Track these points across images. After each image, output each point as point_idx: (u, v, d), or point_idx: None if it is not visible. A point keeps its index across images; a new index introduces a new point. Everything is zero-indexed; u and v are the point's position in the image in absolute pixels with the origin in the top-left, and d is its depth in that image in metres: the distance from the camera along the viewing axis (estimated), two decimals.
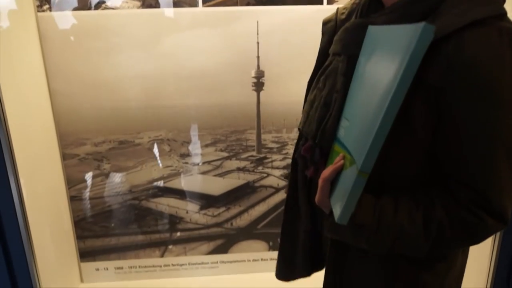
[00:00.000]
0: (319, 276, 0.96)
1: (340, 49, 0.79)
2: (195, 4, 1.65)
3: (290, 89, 1.80)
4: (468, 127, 0.63)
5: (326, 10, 1.69)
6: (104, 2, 1.62)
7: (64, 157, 1.80)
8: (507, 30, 0.61)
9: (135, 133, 1.81)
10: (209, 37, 1.70)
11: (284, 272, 1.11)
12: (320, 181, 0.71)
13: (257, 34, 1.70)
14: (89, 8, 1.62)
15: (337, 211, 0.66)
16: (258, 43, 1.71)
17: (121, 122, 1.79)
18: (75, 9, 1.62)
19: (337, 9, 0.90)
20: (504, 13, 0.64)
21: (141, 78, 1.73)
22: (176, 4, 1.65)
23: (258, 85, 1.78)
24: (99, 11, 1.63)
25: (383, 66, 0.60)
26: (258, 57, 1.74)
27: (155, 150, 1.85)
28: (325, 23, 0.91)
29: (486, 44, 0.60)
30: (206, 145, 1.86)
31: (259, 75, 1.77)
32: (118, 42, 1.67)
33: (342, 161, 0.68)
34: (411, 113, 0.56)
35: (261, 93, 1.79)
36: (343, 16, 0.85)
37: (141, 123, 1.79)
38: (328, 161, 0.79)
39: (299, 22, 1.70)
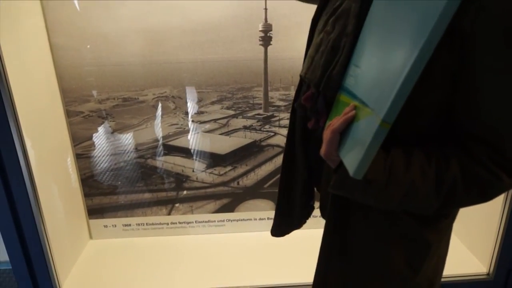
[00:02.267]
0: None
1: None
2: None
3: (299, 43, 1.72)
4: (492, 77, 0.58)
5: None
6: None
7: (68, 114, 1.77)
8: None
9: (139, 90, 1.77)
10: None
11: (281, 227, 1.10)
12: (328, 133, 0.66)
13: None
14: None
15: (352, 164, 0.61)
16: None
17: (124, 78, 1.74)
18: None
19: None
20: None
21: (145, 31, 1.66)
22: None
23: (266, 40, 1.71)
24: None
25: (411, 10, 0.55)
26: (265, 9, 1.65)
27: (160, 107, 1.81)
28: None
29: None
30: (212, 103, 1.82)
31: (267, 28, 1.69)
32: None
33: (353, 112, 0.63)
34: (433, 59, 0.51)
35: (269, 48, 1.72)
36: None
37: (145, 80, 1.74)
38: (332, 112, 0.73)
39: None
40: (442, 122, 0.65)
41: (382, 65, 0.59)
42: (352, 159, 0.61)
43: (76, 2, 1.60)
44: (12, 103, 1.33)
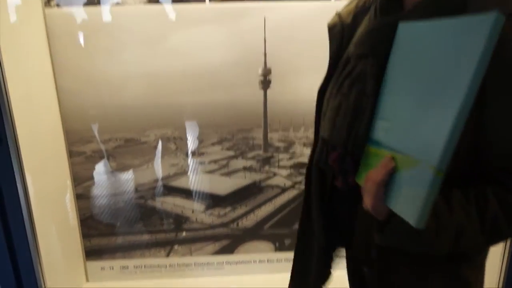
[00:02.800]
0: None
1: (368, 50, 0.75)
2: (202, 0, 1.64)
3: (297, 87, 1.77)
4: (508, 112, 0.62)
5: (335, 6, 1.67)
6: None
7: (71, 154, 1.80)
8: None
9: (141, 131, 1.80)
10: (215, 34, 1.68)
11: None
12: (371, 186, 0.67)
13: (264, 30, 1.68)
14: (96, 4, 1.62)
15: (412, 215, 0.61)
16: (265, 39, 1.69)
17: (127, 119, 1.78)
18: (82, 4, 1.62)
19: (339, 14, 0.88)
20: None
21: (148, 75, 1.72)
22: (183, 0, 1.64)
23: (265, 83, 1.76)
24: (106, 7, 1.63)
25: (443, 61, 0.58)
26: (265, 54, 1.71)
27: (161, 148, 1.83)
28: (330, 28, 0.89)
29: None
30: (213, 144, 1.84)
31: (266, 73, 1.74)
32: (125, 39, 1.67)
33: (392, 162, 0.65)
34: None
35: (268, 91, 1.77)
36: (349, 21, 0.84)
37: (147, 121, 1.78)
38: (361, 166, 0.75)
39: (307, 18, 1.67)
40: (472, 159, 0.67)
41: (421, 115, 0.61)
42: (409, 209, 0.62)
43: (82, 46, 1.66)
44: (16, 142, 1.36)
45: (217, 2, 1.65)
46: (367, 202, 0.68)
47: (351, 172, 0.77)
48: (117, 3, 1.63)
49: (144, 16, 1.65)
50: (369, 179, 0.67)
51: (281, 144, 1.87)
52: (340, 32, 0.85)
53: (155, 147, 1.83)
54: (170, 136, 1.82)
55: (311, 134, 1.83)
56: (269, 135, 1.85)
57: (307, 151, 1.87)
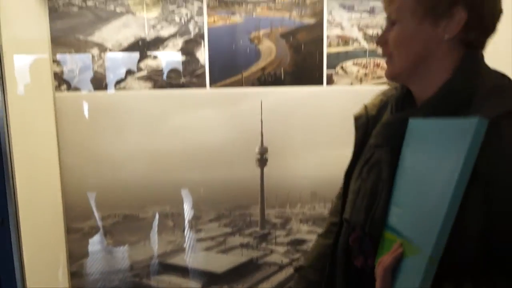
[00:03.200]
0: None
1: (382, 141, 0.83)
2: (203, 85, 1.76)
3: (293, 164, 1.83)
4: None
5: (325, 90, 1.79)
6: (118, 83, 1.73)
7: (69, 230, 1.80)
8: None
9: (140, 208, 1.83)
10: (215, 115, 1.79)
11: None
12: (381, 270, 0.71)
13: (261, 112, 1.79)
14: (104, 89, 1.73)
15: None
16: (261, 121, 1.79)
17: (127, 196, 1.81)
18: (91, 89, 1.73)
19: (365, 106, 0.97)
20: None
21: (150, 153, 1.79)
22: (185, 85, 1.76)
23: (262, 161, 1.83)
24: (113, 92, 1.74)
25: (439, 157, 0.65)
26: (262, 134, 1.80)
27: (159, 225, 1.85)
28: (356, 119, 0.97)
29: None
30: (210, 220, 1.86)
31: (263, 151, 1.82)
32: (129, 120, 1.76)
33: (401, 249, 0.69)
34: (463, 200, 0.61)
35: (265, 168, 1.83)
36: (374, 112, 0.92)
37: (146, 198, 1.82)
38: (379, 249, 0.79)
39: (300, 102, 1.79)
40: (478, 250, 0.69)
41: (421, 206, 0.67)
42: None
43: (88, 126, 1.75)
44: (17, 223, 1.38)
45: (217, 88, 1.77)
46: (377, 285, 0.71)
47: (371, 253, 0.81)
48: (124, 88, 1.74)
49: (148, 100, 1.76)
50: (380, 264, 0.71)
51: (278, 221, 1.89)
52: (365, 123, 0.93)
53: (153, 223, 1.84)
54: (168, 213, 1.84)
55: (307, 210, 1.87)
56: (266, 211, 1.87)
57: (304, 228, 1.89)
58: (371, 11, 1.78)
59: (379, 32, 1.78)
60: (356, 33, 1.78)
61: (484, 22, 0.74)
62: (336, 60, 1.78)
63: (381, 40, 0.84)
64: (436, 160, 0.65)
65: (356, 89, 1.81)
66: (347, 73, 1.80)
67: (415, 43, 0.78)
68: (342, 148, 1.82)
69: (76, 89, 1.73)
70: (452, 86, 0.74)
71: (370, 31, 1.79)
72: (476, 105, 0.70)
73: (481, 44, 0.77)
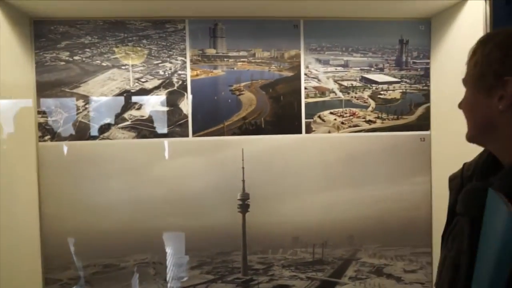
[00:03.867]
0: None
1: (463, 210, 0.81)
2: (186, 134, 1.81)
3: (274, 210, 1.87)
4: None
5: (305, 138, 1.87)
6: (102, 133, 1.77)
7: (47, 281, 1.77)
8: None
9: (121, 256, 1.81)
10: (197, 163, 1.83)
11: None
12: None
13: (242, 160, 1.84)
14: (88, 139, 1.76)
15: None
16: (243, 168, 1.84)
17: (108, 245, 1.80)
18: (75, 139, 1.76)
19: (464, 164, 0.93)
20: None
21: (131, 202, 1.80)
22: (168, 135, 1.81)
23: (244, 207, 1.86)
24: (96, 141, 1.77)
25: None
26: (243, 180, 1.85)
27: (140, 273, 1.83)
28: (451, 179, 0.94)
29: None
30: (192, 268, 1.86)
31: (245, 197, 1.86)
32: (112, 169, 1.78)
33: None
34: None
35: (247, 214, 1.86)
36: (469, 173, 0.88)
37: (127, 246, 1.81)
38: None
39: (280, 149, 1.86)
40: None
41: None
42: None
43: (71, 176, 1.76)
44: None
45: (199, 137, 1.82)
46: None
47: None
48: (107, 138, 1.77)
49: (132, 149, 1.79)
50: None
51: (260, 266, 1.90)
52: (458, 184, 0.90)
53: (134, 272, 1.83)
54: (149, 261, 1.83)
55: (289, 255, 1.90)
56: (248, 257, 1.89)
57: (286, 273, 1.90)
58: (345, 65, 1.90)
59: (353, 83, 1.90)
60: (332, 85, 1.89)
61: None
62: (314, 109, 1.88)
63: (459, 106, 0.88)
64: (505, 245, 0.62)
65: (334, 137, 1.90)
66: (325, 122, 1.89)
67: (476, 112, 0.81)
68: (322, 193, 1.89)
69: (60, 139, 1.75)
70: None
71: (345, 83, 1.90)
72: None
73: None
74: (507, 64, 0.74)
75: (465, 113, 0.85)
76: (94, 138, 1.77)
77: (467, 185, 0.84)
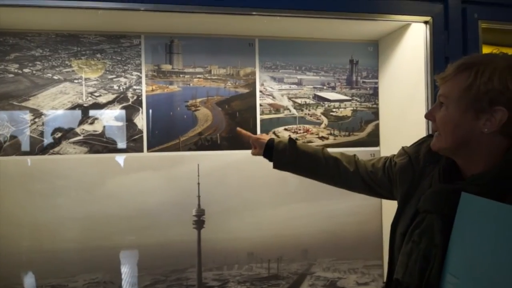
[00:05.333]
0: None
1: (433, 208, 0.90)
2: (140, 150, 1.79)
3: (229, 226, 1.88)
4: None
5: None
6: (52, 148, 1.71)
7: None
8: None
9: (70, 276, 1.74)
10: (152, 179, 1.81)
11: None
12: None
13: (198, 175, 1.84)
14: (37, 154, 1.70)
15: None
16: (198, 184, 1.84)
17: (56, 264, 1.73)
18: (23, 154, 1.69)
19: (408, 154, 1.10)
20: None
21: (82, 219, 1.74)
22: (123, 150, 1.78)
23: (199, 223, 1.85)
24: (46, 156, 1.72)
25: (502, 241, 0.72)
26: (198, 196, 1.84)
27: None
28: (402, 171, 1.08)
29: None
30: (145, 286, 1.81)
31: (200, 213, 1.85)
32: (63, 185, 1.73)
33: None
34: None
35: (202, 231, 1.85)
36: (419, 167, 1.04)
37: (77, 265, 1.74)
38: None
39: (236, 165, 1.87)
40: None
41: (483, 284, 0.73)
42: None
43: (17, 189, 1.69)
44: None
45: (154, 152, 1.81)
46: None
47: None
48: (57, 153, 1.72)
49: (84, 164, 1.75)
50: None
51: (215, 283, 1.88)
52: (410, 176, 1.04)
53: None
54: (100, 281, 1.77)
55: (244, 271, 1.90)
56: (203, 274, 1.87)
57: None
58: (299, 83, 1.96)
59: (307, 101, 1.96)
60: (286, 102, 1.94)
61: None
62: (269, 126, 1.92)
63: (429, 116, 0.94)
64: (499, 243, 0.72)
65: None
66: (280, 138, 1.93)
67: (459, 130, 0.87)
68: (277, 208, 1.92)
69: (7, 153, 1.68)
70: (503, 172, 0.82)
71: (298, 100, 1.96)
72: None
73: None
74: (504, 96, 0.81)
75: (442, 126, 0.90)
76: (43, 153, 1.71)
77: (434, 186, 0.94)
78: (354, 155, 1.31)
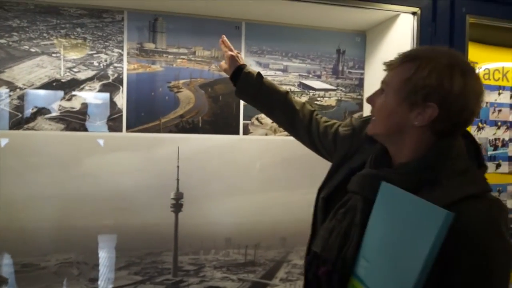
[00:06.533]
0: None
1: (358, 189, 0.94)
2: (119, 129, 1.75)
3: (208, 211, 1.86)
4: (470, 284, 0.77)
5: (242, 139, 1.88)
6: (27, 123, 1.66)
7: None
8: (495, 202, 0.81)
9: (41, 255, 1.71)
10: (130, 160, 1.77)
11: None
12: None
13: (178, 158, 1.81)
14: (11, 129, 1.65)
15: None
16: (178, 166, 1.81)
17: (28, 243, 1.69)
18: None
19: (351, 120, 1.18)
20: (490, 189, 0.84)
21: (57, 198, 1.70)
22: (101, 129, 1.73)
23: (177, 207, 1.83)
24: (20, 131, 1.66)
25: (410, 232, 0.75)
26: (177, 179, 1.82)
27: (63, 274, 1.73)
28: (343, 137, 1.15)
29: (478, 215, 0.78)
30: (119, 268, 1.79)
31: (178, 196, 1.83)
32: (37, 162, 1.67)
33: None
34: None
35: (180, 214, 1.83)
36: (359, 142, 1.08)
37: (49, 245, 1.70)
38: None
39: (217, 150, 1.85)
40: None
41: (390, 269, 0.76)
42: None
43: None
44: None
45: (134, 132, 1.77)
46: None
47: None
48: (32, 129, 1.67)
49: (60, 142, 1.70)
50: None
51: (191, 268, 1.87)
52: (348, 144, 1.11)
53: (55, 273, 1.72)
54: (73, 261, 1.74)
55: (221, 256, 1.89)
56: (179, 258, 1.85)
57: (218, 274, 1.89)
58: (284, 69, 1.94)
59: (292, 88, 1.94)
60: None
61: (453, 119, 0.85)
62: (252, 111, 1.89)
63: (370, 100, 0.96)
64: (408, 234, 0.75)
65: (270, 139, 1.93)
66: (262, 124, 1.91)
67: (392, 119, 0.90)
68: (257, 195, 1.91)
69: None
70: (423, 164, 0.85)
71: (283, 87, 1.93)
72: (441, 184, 0.82)
73: (453, 133, 0.87)
74: (438, 94, 0.83)
75: (378, 112, 0.94)
76: (17, 128, 1.65)
77: (363, 170, 0.98)
78: (314, 110, 1.34)
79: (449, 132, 0.87)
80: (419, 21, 1.55)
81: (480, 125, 2.02)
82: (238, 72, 1.35)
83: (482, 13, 1.58)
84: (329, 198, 1.07)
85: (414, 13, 1.56)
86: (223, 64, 1.42)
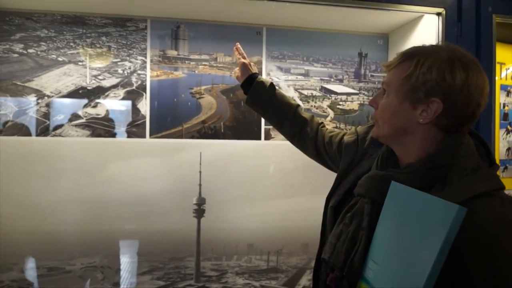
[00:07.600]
0: None
1: (364, 192, 0.91)
2: (143, 135, 1.78)
3: (230, 216, 1.86)
4: (482, 283, 0.73)
5: (264, 144, 1.88)
6: (55, 130, 1.71)
7: None
8: (508, 200, 0.77)
9: (67, 259, 1.74)
10: (154, 166, 1.79)
11: None
12: None
13: (200, 164, 1.82)
14: (39, 135, 1.70)
15: None
16: (200, 172, 1.82)
17: (54, 246, 1.72)
18: (24, 134, 1.69)
19: (357, 132, 1.14)
20: (503, 187, 0.81)
21: (82, 202, 1.74)
22: (125, 135, 1.76)
23: (199, 212, 1.83)
24: (48, 138, 1.71)
25: (421, 231, 0.72)
26: (200, 185, 1.82)
27: (87, 278, 1.76)
28: (347, 146, 1.13)
29: (491, 213, 0.75)
30: (142, 273, 1.80)
31: (201, 202, 1.83)
32: (63, 167, 1.72)
33: None
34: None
35: (202, 219, 1.84)
36: (364, 146, 1.08)
37: (75, 249, 1.74)
38: None
39: (239, 154, 1.85)
40: None
41: (400, 270, 0.73)
42: None
43: (19, 170, 1.68)
44: None
45: (157, 138, 1.79)
46: None
47: None
48: (59, 135, 1.71)
49: (85, 148, 1.74)
50: None
51: (213, 273, 1.87)
52: (353, 152, 1.09)
53: (81, 276, 1.75)
54: (97, 265, 1.76)
55: (243, 262, 1.88)
56: (202, 264, 1.85)
57: (240, 281, 1.88)
58: (306, 74, 1.93)
59: (313, 93, 1.93)
60: (292, 93, 1.91)
61: (459, 112, 0.83)
62: None
63: (373, 103, 0.95)
64: (419, 232, 0.72)
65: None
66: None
67: (396, 119, 0.88)
68: (279, 200, 1.89)
69: (9, 133, 1.68)
70: (431, 162, 0.83)
71: (305, 92, 1.93)
72: (452, 182, 0.79)
73: (459, 129, 0.85)
74: (440, 88, 0.81)
75: (381, 114, 0.92)
76: (45, 134, 1.70)
77: (370, 172, 0.95)
78: (321, 122, 1.34)
79: (455, 128, 0.85)
80: (444, 21, 1.52)
81: (509, 127, 1.95)
82: (249, 81, 1.35)
83: (509, 12, 1.53)
84: (338, 206, 1.05)
85: (438, 14, 1.53)
86: (237, 71, 1.43)
